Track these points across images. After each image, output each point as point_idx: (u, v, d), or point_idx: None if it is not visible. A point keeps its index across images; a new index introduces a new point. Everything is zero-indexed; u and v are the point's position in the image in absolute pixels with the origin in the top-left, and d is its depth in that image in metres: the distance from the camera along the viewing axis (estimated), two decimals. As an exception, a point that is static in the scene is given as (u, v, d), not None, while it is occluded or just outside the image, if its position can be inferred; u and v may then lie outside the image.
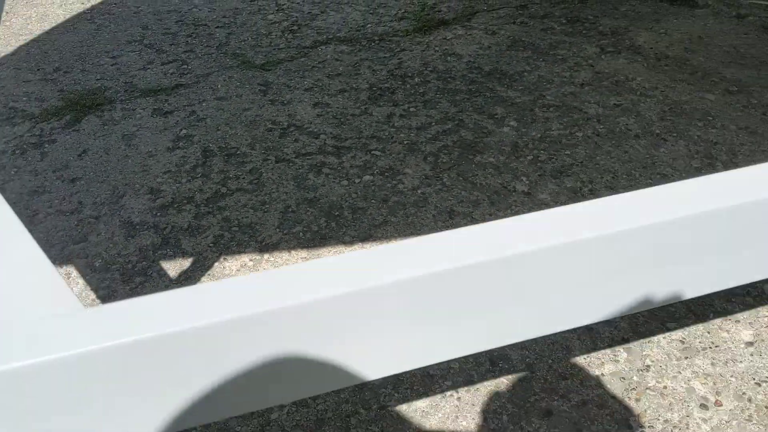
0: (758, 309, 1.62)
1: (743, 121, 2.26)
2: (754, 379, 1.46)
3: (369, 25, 3.09)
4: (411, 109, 2.46)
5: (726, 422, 1.37)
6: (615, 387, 1.46)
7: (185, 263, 1.88)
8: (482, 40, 2.89)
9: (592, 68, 2.62)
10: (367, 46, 2.92)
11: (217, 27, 3.22)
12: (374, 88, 2.60)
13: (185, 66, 2.91)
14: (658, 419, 1.39)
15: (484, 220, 1.93)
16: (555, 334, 1.59)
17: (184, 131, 2.47)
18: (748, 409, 1.39)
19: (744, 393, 1.43)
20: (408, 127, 2.35)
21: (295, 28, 3.13)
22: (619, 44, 2.78)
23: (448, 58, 2.77)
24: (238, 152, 2.32)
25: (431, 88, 2.57)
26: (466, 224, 1.92)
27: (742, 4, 2.94)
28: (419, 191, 2.06)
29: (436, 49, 2.85)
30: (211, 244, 1.94)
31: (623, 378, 1.48)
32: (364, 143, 2.29)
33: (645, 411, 1.41)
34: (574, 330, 1.60)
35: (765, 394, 1.42)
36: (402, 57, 2.80)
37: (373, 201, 2.03)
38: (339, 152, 2.26)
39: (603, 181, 2.04)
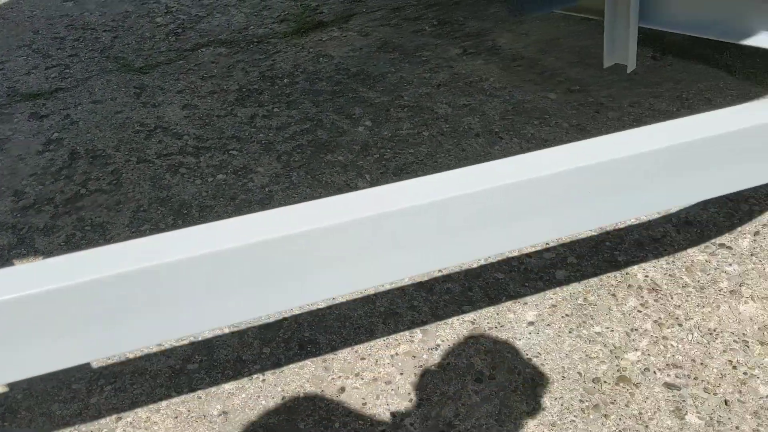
0: (546, 292, 1.80)
1: (576, 118, 2.45)
2: (527, 354, 1.64)
3: (251, 27, 3.21)
4: (275, 110, 2.59)
5: (494, 393, 1.55)
6: (406, 365, 1.63)
7: (36, 261, 1.99)
8: (355, 41, 3.04)
9: (451, 69, 2.79)
10: (245, 48, 3.04)
11: (105, 31, 3.31)
12: (243, 90, 2.73)
13: (67, 70, 2.99)
14: (436, 392, 1.56)
15: (321, 215, 2.07)
16: (362, 319, 1.75)
17: (56, 134, 2.56)
18: (516, 381, 1.57)
19: (516, 367, 1.61)
20: (268, 127, 2.49)
21: (180, 30, 3.24)
22: (481, 45, 2.95)
23: (320, 59, 2.91)
24: (104, 154, 2.43)
25: (297, 89, 2.70)
26: (304, 220, 2.07)
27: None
28: (267, 189, 2.20)
29: (310, 50, 2.98)
30: (62, 243, 2.05)
31: (414, 356, 1.65)
32: (224, 143, 2.42)
33: (427, 385, 1.58)
34: (380, 314, 1.76)
35: (533, 368, 1.60)
36: (276, 59, 2.93)
37: (221, 199, 2.17)
38: (198, 152, 2.39)
39: (437, 177, 2.21)
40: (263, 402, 1.56)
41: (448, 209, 1.28)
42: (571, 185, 1.33)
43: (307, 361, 1.66)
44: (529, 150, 2.30)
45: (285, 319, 1.76)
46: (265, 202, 2.14)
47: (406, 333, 1.71)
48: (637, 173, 1.33)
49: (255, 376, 1.63)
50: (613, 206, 1.39)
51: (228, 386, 1.61)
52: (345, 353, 1.67)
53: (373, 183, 2.19)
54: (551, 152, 1.40)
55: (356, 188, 2.18)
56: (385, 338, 1.70)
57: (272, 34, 3.14)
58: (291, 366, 1.65)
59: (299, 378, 1.62)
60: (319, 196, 2.14)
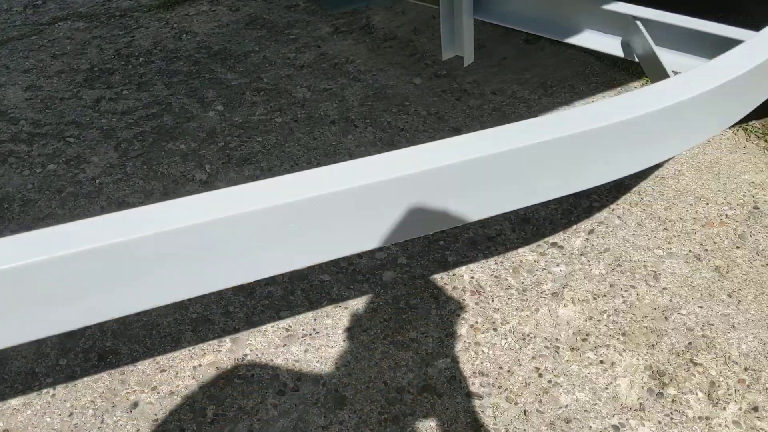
0: (370, 295, 1.75)
1: (436, 106, 2.38)
2: (337, 363, 1.59)
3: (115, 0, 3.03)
4: (123, 92, 2.45)
5: (294, 406, 1.50)
6: (207, 377, 1.56)
7: None
8: (223, 17, 2.89)
9: (318, 49, 2.68)
10: (105, 23, 2.86)
11: (-42, -2, 3.08)
12: (95, 69, 2.57)
13: None
14: (233, 407, 1.50)
15: (151, 210, 1.97)
16: (170, 327, 1.67)
17: None
18: (319, 393, 1.52)
19: (322, 378, 1.55)
20: (113, 112, 2.35)
21: (39, 2, 3.04)
22: (355, 24, 2.84)
23: (183, 36, 2.77)
24: (-71, 140, 2.26)
25: (152, 69, 2.56)
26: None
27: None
28: (97, 181, 2.07)
29: (174, 26, 2.83)
30: None
31: (218, 368, 1.58)
32: (62, 130, 2.28)
33: (225, 399, 1.51)
34: (191, 322, 1.68)
35: (339, 378, 1.55)
36: (135, 35, 2.77)
37: (47, 192, 2.04)
38: (32, 140, 2.24)
39: (282, 168, 2.12)
40: (48, 419, 1.48)
41: (269, 219, 1.21)
42: (402, 193, 1.26)
43: (104, 374, 1.57)
44: (381, 139, 2.23)
45: (89, 326, 1.67)
46: (93, 195, 2.02)
47: (215, 342, 1.64)
48: (483, 177, 1.28)
49: (45, 390, 1.54)
50: (448, 212, 1.33)
51: (14, 401, 1.51)
52: (145, 365, 1.59)
53: (212, 174, 2.09)
54: (373, 160, 1.31)
55: (192, 180, 2.08)
56: (191, 348, 1.63)
57: (137, 7, 2.97)
58: (86, 379, 1.56)
59: (92, 392, 1.53)
60: (152, 189, 2.04)
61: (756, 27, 1.47)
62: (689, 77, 1.37)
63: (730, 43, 1.42)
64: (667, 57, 1.51)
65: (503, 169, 1.29)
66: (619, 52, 1.58)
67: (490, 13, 1.80)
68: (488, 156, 1.23)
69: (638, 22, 1.49)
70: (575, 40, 1.65)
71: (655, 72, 1.43)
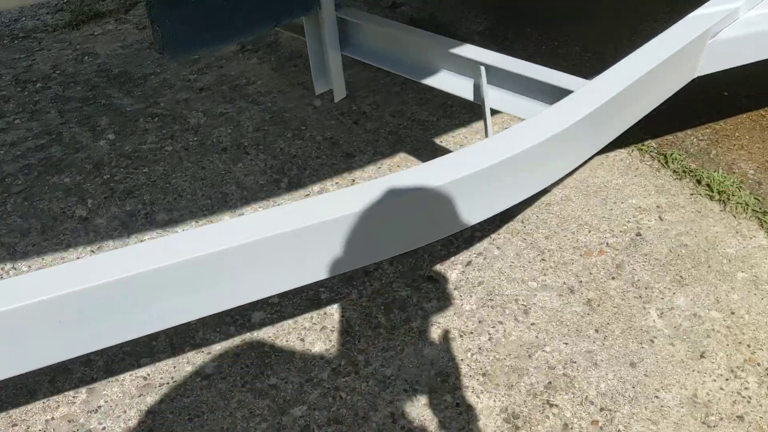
0: (234, 338, 1.73)
1: (332, 130, 2.35)
2: (190, 414, 1.57)
3: (23, 19, 2.97)
4: (15, 122, 2.40)
5: (141, 461, 1.48)
6: (59, 431, 1.54)
7: None
8: (128, 36, 2.84)
9: (220, 70, 2.64)
10: (7, 45, 2.81)
11: None
12: (-11, 97, 2.52)
13: None
14: (79, 464, 1.48)
15: (25, 252, 1.94)
16: (27, 377, 1.64)
17: None
18: (168, 446, 1.51)
19: (172, 430, 1.54)
20: (1, 144, 2.31)
21: (-59, 21, 2.97)
22: (261, 40, 2.80)
23: (85, 58, 2.71)
24: None
25: (47, 96, 2.51)
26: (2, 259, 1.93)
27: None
28: (-25, 220, 2.04)
29: (77, 47, 2.77)
30: None
31: (71, 420, 1.56)
32: (-54, 164, 2.23)
33: (72, 456, 1.49)
34: (50, 371, 1.66)
35: (190, 430, 1.54)
36: (36, 57, 2.72)
37: None
38: None
39: (165, 202, 2.09)
40: None
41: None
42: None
43: (-40, 429, 1.55)
44: (272, 167, 2.20)
45: (-58, 381, 1.64)
46: (-32, 236, 1.98)
47: (71, 393, 1.62)
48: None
49: None
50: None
51: None
52: (13, 415, 1.57)
53: (93, 210, 2.06)
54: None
55: (72, 216, 2.04)
56: (45, 400, 1.60)
57: (42, 27, 2.91)
58: (-63, 436, 1.54)
59: (-59, 451, 1.51)
60: (29, 228, 2.00)
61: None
62: (515, 132, 1.36)
63: (564, 92, 1.41)
64: (514, 101, 1.50)
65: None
66: (470, 96, 1.56)
67: (355, 50, 1.77)
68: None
69: (482, 68, 1.47)
70: (431, 81, 1.62)
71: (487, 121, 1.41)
